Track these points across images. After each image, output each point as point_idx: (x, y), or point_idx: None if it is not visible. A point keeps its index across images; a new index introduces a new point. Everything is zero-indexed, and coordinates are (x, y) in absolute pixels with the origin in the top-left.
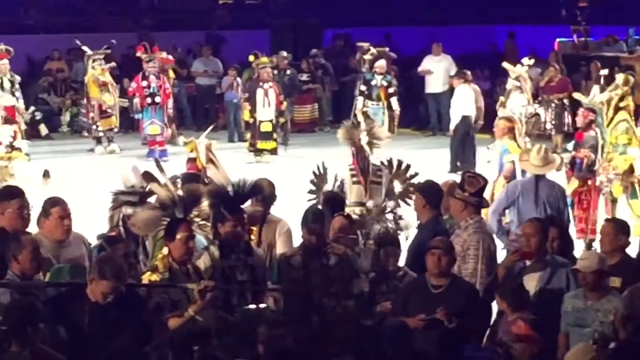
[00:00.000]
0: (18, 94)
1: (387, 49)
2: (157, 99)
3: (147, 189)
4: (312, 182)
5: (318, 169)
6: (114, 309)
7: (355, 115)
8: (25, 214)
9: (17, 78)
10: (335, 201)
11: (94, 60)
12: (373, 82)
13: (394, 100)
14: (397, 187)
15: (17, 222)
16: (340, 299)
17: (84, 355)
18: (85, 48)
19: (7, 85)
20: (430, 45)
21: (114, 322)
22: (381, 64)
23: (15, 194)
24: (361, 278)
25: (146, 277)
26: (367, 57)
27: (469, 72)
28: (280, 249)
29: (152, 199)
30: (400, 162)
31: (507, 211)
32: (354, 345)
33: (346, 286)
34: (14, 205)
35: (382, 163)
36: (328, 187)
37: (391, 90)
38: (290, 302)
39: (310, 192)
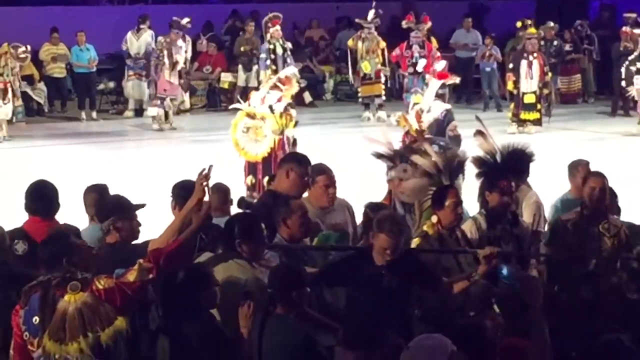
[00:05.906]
0: (290, 60)
1: None
2: (419, 68)
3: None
4: None
5: None
6: (390, 275)
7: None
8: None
9: (289, 45)
10: None
11: (362, 28)
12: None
13: None
14: None
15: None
16: (614, 268)
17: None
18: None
19: (279, 51)
20: None
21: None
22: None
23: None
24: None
25: (415, 242)
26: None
27: None
28: (526, 218)
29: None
30: None
31: None
32: (620, 319)
33: (620, 257)
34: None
35: None
36: None
37: None
38: (560, 268)
39: None
